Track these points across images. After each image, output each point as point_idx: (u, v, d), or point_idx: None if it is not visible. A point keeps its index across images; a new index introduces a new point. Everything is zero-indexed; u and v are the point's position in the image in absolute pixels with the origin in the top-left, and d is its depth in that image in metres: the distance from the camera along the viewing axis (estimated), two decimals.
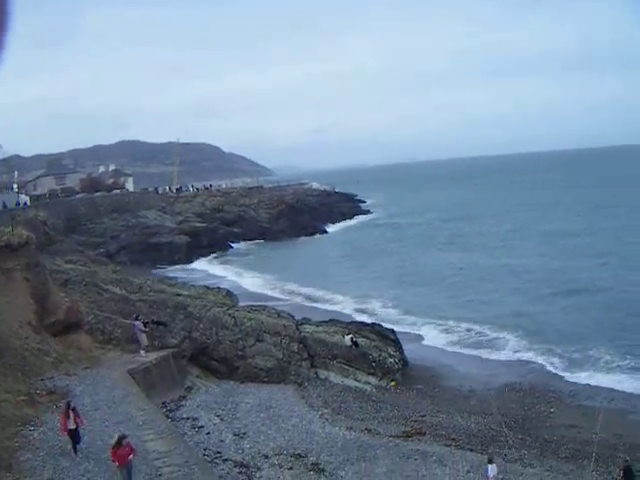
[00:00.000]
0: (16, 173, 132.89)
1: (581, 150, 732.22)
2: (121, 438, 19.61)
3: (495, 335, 52.04)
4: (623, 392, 39.03)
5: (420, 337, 53.42)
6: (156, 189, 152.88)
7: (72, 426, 21.62)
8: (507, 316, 56.84)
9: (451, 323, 56.04)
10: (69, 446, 21.76)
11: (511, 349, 48.70)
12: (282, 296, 71.30)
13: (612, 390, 39.38)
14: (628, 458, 26.19)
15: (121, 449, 19.20)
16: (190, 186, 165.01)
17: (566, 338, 49.58)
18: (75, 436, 21.73)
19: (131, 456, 19.19)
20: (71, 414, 21.89)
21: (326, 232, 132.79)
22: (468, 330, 53.87)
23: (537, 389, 40.19)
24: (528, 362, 45.89)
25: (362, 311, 62.22)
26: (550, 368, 44.28)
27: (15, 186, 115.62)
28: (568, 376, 42.45)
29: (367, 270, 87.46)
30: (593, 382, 40.97)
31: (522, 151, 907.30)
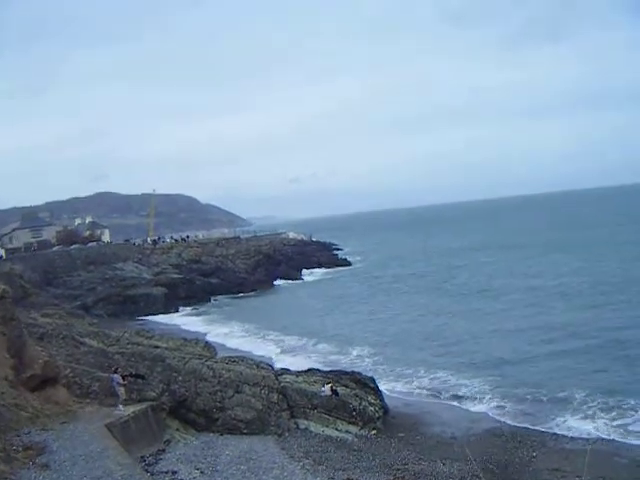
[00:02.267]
0: None
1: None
2: None
3: (473, 382, 51.85)
4: (605, 436, 39.00)
5: (396, 385, 53.23)
6: (127, 240, 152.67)
7: None
8: (486, 362, 56.83)
9: (430, 371, 55.92)
10: None
11: (491, 395, 48.55)
12: (260, 346, 71.00)
13: (593, 434, 39.38)
14: None
15: None
16: (169, 238, 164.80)
17: (545, 383, 49.55)
18: None
19: None
20: None
21: (302, 279, 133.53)
22: (445, 379, 53.71)
23: (519, 434, 40.04)
24: (508, 407, 45.72)
25: (340, 359, 62.08)
26: (531, 413, 44.16)
27: None
28: (549, 420, 42.32)
29: (345, 318, 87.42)
30: (575, 426, 40.93)
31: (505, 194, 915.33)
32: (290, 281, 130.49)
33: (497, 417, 44.06)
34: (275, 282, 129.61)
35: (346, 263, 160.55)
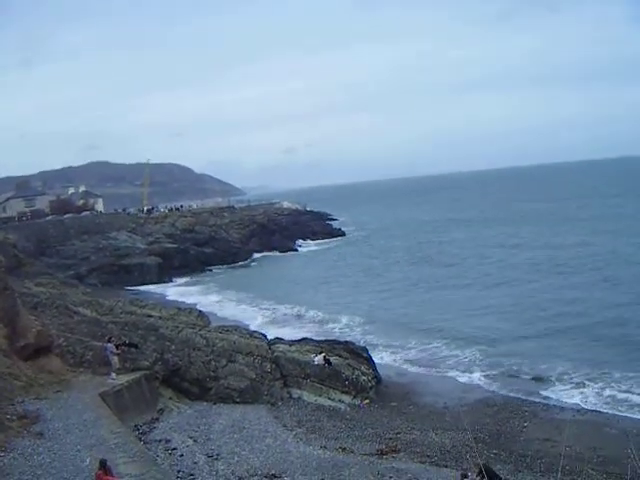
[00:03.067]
0: None
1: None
2: (103, 462, 19.31)
3: (465, 353, 52.09)
4: (595, 407, 39.29)
5: (389, 355, 53.43)
6: (124, 209, 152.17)
7: None
8: (477, 334, 57.00)
9: (424, 340, 56.17)
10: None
11: (483, 366, 48.80)
12: (254, 315, 71.16)
13: (583, 405, 39.70)
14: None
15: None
16: (163, 207, 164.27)
17: (537, 354, 49.82)
18: None
19: None
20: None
21: (297, 250, 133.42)
22: (437, 350, 53.94)
23: (510, 404, 40.31)
24: (500, 378, 45.98)
25: (333, 329, 62.31)
26: (522, 384, 44.42)
27: None
28: (541, 391, 42.61)
29: (338, 288, 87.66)
30: (565, 397, 41.25)
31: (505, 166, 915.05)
32: (283, 252, 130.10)
33: (489, 388, 44.31)
34: (269, 252, 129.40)
35: (340, 233, 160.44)
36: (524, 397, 41.82)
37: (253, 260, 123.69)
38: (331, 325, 64.56)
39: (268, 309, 74.76)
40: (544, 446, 33.57)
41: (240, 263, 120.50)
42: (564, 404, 40.06)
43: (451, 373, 48.15)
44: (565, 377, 44.62)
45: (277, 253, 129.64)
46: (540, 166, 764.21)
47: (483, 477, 23.38)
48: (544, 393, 42.23)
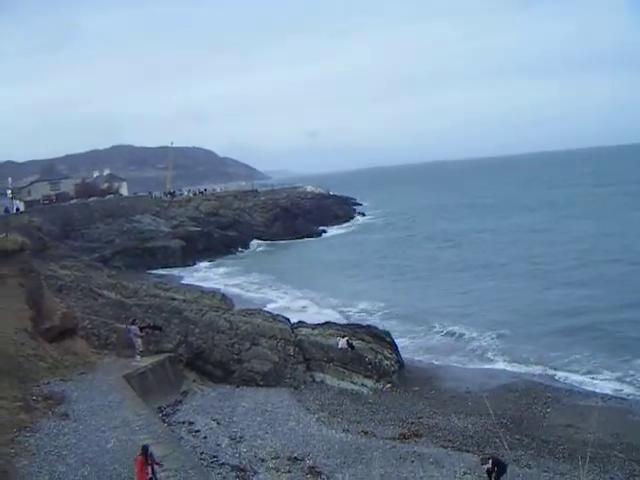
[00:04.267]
0: (10, 179, 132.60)
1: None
2: (145, 448, 19.40)
3: (487, 338, 51.95)
4: (618, 394, 39.13)
5: (412, 339, 53.44)
6: (150, 193, 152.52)
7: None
8: (500, 319, 56.81)
9: (446, 325, 56.07)
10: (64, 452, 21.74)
11: (505, 351, 48.69)
12: (278, 299, 71.29)
13: (607, 392, 39.55)
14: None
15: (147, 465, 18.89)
16: (187, 191, 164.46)
17: (560, 342, 49.63)
18: None
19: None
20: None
21: (321, 235, 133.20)
22: (460, 334, 53.81)
23: (533, 390, 40.18)
24: (523, 363, 45.85)
25: (357, 313, 62.32)
26: (546, 369, 44.25)
27: (9, 192, 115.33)
28: (564, 377, 42.46)
29: (362, 272, 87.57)
30: (588, 383, 41.10)
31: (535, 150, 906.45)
32: (307, 237, 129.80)
33: (511, 373, 44.19)
34: (293, 235, 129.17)
35: (364, 217, 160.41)
36: (547, 383, 41.66)
37: (277, 243, 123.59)
38: (354, 309, 64.55)
39: (291, 293, 74.85)
40: (566, 432, 33.48)
41: (265, 247, 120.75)
42: (587, 391, 39.88)
43: (473, 358, 48.07)
44: (588, 363, 44.43)
45: (300, 236, 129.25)
46: (569, 152, 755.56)
47: (495, 467, 23.56)
48: (567, 379, 42.07)
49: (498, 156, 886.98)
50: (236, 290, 77.00)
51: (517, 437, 32.68)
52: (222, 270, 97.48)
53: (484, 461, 24.23)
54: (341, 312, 63.06)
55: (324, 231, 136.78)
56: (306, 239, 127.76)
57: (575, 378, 42.15)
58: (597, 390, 39.79)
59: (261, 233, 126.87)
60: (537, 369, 44.51)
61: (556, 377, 42.72)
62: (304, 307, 66.58)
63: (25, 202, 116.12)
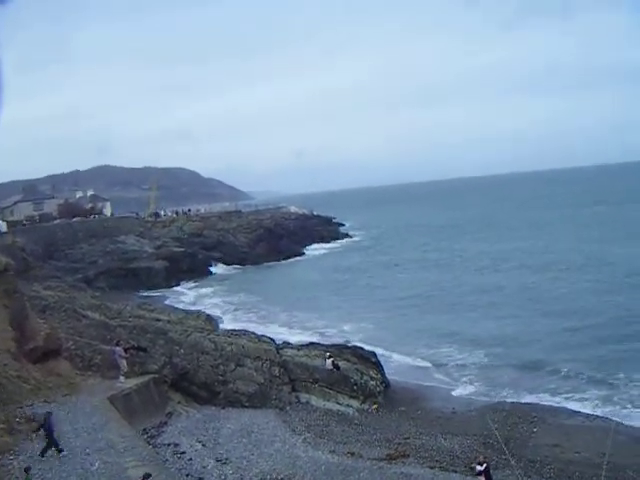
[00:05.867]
0: None
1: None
2: (147, 476, 19.50)
3: (474, 358, 52.02)
4: (604, 413, 39.16)
5: (398, 360, 53.37)
6: (137, 214, 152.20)
7: None
8: (485, 339, 56.93)
9: (432, 346, 56.08)
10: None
11: (491, 370, 48.73)
12: (261, 320, 71.12)
13: (592, 411, 39.59)
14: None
15: None
16: (170, 211, 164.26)
17: (545, 360, 49.74)
18: None
19: None
20: None
21: (304, 254, 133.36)
22: (445, 354, 53.86)
23: (519, 409, 40.13)
24: (508, 383, 45.88)
25: (342, 334, 62.14)
26: (531, 389, 44.31)
27: None
28: (549, 397, 42.53)
29: (347, 293, 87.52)
30: (574, 403, 41.15)
31: (523, 170, 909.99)
32: (291, 257, 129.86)
33: (497, 393, 44.20)
34: (277, 256, 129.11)
35: (348, 237, 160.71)
36: (532, 402, 41.71)
37: (259, 264, 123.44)
38: (339, 329, 64.45)
39: (276, 313, 74.72)
40: (553, 452, 33.45)
41: (247, 267, 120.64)
42: (572, 410, 39.91)
43: (459, 378, 48.03)
44: (574, 383, 44.59)
45: (284, 256, 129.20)
46: (582, 168, 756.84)
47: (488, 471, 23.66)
48: (553, 399, 42.15)
49: (498, 174, 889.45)
50: (220, 311, 76.82)
51: (504, 457, 32.51)
52: (206, 290, 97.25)
53: (480, 463, 24.31)
54: (326, 333, 62.90)
55: (307, 251, 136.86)
56: (290, 259, 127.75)
57: (560, 398, 42.19)
58: (582, 409, 39.82)
59: (245, 254, 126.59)
60: (522, 389, 44.53)
61: (541, 397, 42.75)
62: (288, 328, 66.40)
63: (8, 222, 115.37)
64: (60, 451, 23.77)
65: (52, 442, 23.93)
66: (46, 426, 24.28)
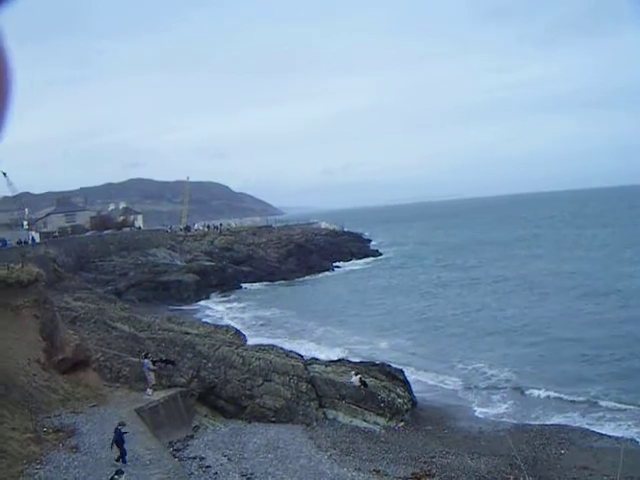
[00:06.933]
0: (27, 210, 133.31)
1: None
2: None
3: (502, 377, 51.67)
4: (633, 436, 38.68)
5: (427, 379, 53.10)
6: (170, 227, 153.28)
7: None
8: (515, 358, 56.51)
9: (460, 364, 55.76)
10: None
11: (520, 390, 48.36)
12: (291, 335, 71.08)
13: (623, 433, 39.11)
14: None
15: None
16: (201, 225, 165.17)
17: (575, 381, 49.30)
18: None
19: None
20: None
21: (334, 270, 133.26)
22: (474, 373, 53.51)
23: (547, 430, 39.72)
24: (537, 403, 45.52)
25: (371, 351, 61.94)
26: (560, 410, 43.89)
27: (25, 223, 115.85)
28: (578, 418, 42.06)
29: (377, 310, 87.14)
30: (603, 425, 40.67)
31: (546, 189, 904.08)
32: (320, 272, 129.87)
33: (525, 413, 43.82)
34: (306, 272, 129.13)
35: (377, 254, 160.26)
36: (561, 424, 41.21)
37: (289, 279, 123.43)
38: (368, 346, 64.24)
39: (306, 329, 74.66)
40: (581, 474, 33.06)
41: (277, 282, 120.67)
42: (601, 433, 39.43)
43: (488, 398, 47.69)
44: (603, 404, 44.05)
45: (313, 273, 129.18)
46: (606, 189, 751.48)
47: None
48: (582, 420, 41.65)
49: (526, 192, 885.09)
50: (248, 325, 76.90)
51: (531, 478, 32.29)
52: (235, 305, 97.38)
53: None
54: (355, 349, 62.72)
55: (337, 267, 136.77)
56: (320, 275, 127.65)
57: (589, 420, 41.72)
58: (612, 432, 39.32)
59: (275, 269, 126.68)
60: (551, 410, 44.13)
61: (570, 418, 42.30)
62: (317, 344, 66.29)
63: (41, 233, 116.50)
64: (124, 462, 24.36)
65: (122, 452, 24.59)
66: (116, 437, 24.93)
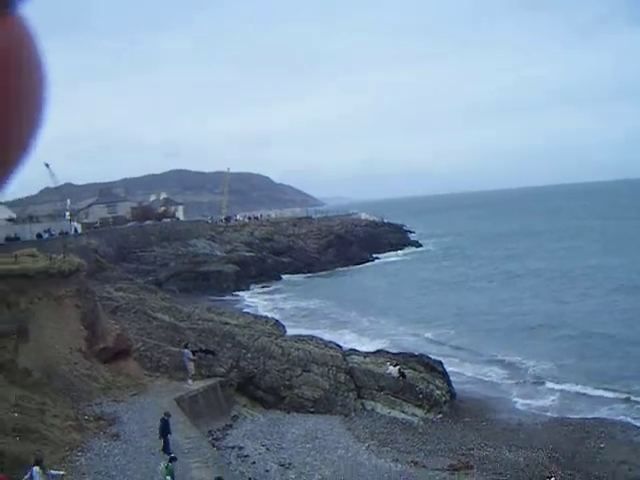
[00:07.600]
0: (69, 201, 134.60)
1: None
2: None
3: (543, 370, 51.30)
4: None
5: (467, 370, 52.90)
6: (211, 217, 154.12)
7: None
8: (556, 351, 56.06)
9: (500, 357, 55.49)
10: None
11: (560, 383, 48.00)
12: (331, 325, 71.10)
13: None
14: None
15: None
16: (241, 216, 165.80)
17: (617, 375, 48.75)
18: None
19: None
20: None
21: (374, 262, 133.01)
22: (514, 366, 53.20)
23: (587, 424, 39.43)
24: (576, 397, 45.17)
25: (412, 342, 61.80)
26: (599, 403, 43.52)
27: (67, 214, 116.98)
28: (618, 412, 41.67)
29: (419, 302, 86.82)
30: None
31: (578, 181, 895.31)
32: (360, 264, 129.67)
33: (564, 406, 43.50)
34: (346, 263, 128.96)
35: (417, 245, 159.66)
36: (601, 417, 40.90)
37: (329, 270, 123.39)
38: (407, 337, 64.14)
39: (346, 320, 74.62)
40: (621, 469, 32.81)
41: (316, 273, 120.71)
42: None
43: (527, 390, 47.43)
44: None
45: (353, 264, 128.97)
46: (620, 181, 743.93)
47: None
48: (622, 415, 41.28)
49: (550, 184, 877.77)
50: (288, 315, 77.02)
51: (569, 472, 32.11)
52: (275, 295, 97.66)
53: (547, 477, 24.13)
54: (395, 340, 62.61)
55: (377, 258, 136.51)
56: (360, 266, 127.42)
57: (630, 412, 41.32)
58: None
59: (314, 260, 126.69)
60: (592, 403, 43.77)
61: (610, 412, 41.94)
62: (356, 333, 66.26)
63: (83, 224, 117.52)
64: (167, 452, 24.59)
65: (166, 442, 24.69)
66: (162, 426, 25.10)
